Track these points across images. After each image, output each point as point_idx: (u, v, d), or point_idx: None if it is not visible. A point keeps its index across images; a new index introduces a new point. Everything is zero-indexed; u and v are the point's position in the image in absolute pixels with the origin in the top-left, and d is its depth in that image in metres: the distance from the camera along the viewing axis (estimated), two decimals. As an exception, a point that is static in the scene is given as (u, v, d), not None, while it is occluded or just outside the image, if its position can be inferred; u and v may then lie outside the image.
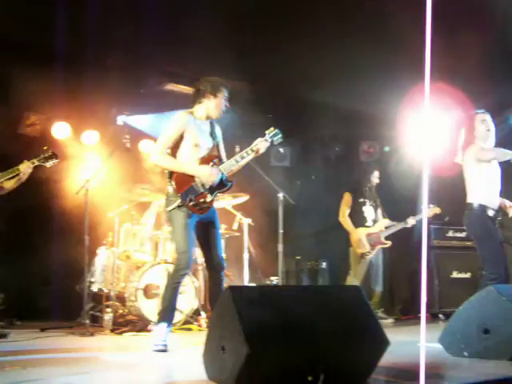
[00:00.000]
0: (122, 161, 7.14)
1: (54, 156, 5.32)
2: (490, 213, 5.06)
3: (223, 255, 4.73)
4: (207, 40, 6.03)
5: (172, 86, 7.45)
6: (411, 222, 6.87)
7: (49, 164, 5.32)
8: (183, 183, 4.39)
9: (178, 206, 4.36)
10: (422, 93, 2.23)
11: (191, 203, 4.36)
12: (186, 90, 7.16)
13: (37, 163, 5.22)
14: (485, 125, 5.17)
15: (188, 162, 4.45)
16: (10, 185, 5.18)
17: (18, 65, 6.34)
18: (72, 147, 7.49)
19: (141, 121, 7.89)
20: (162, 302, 4.49)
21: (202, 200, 4.41)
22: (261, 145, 4.63)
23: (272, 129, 4.71)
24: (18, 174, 5.08)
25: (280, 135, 4.71)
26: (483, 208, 5.05)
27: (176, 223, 4.39)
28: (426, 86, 2.11)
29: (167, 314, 4.40)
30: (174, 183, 4.40)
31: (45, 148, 5.33)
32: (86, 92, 6.87)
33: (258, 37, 6.25)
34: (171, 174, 4.45)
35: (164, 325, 4.33)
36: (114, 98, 7.47)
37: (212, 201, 4.48)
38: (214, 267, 4.61)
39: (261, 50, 6.48)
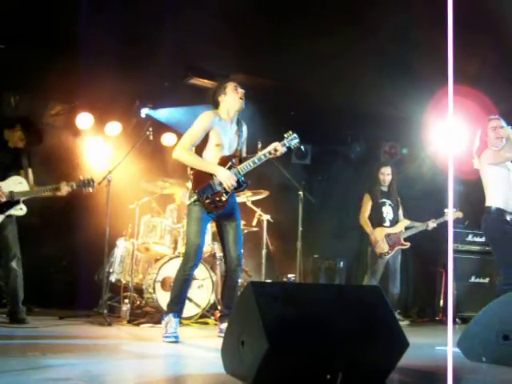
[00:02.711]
0: (145, 153, 7.20)
1: (92, 184, 5.45)
2: (508, 217, 5.03)
3: (242, 251, 4.76)
4: (231, 35, 6.03)
5: (196, 81, 7.46)
6: (432, 225, 6.82)
7: (85, 190, 5.47)
8: (201, 180, 4.53)
9: (194, 201, 4.49)
10: (446, 96, 2.22)
11: (207, 200, 4.49)
12: (210, 84, 7.17)
13: (75, 187, 5.38)
14: (495, 132, 5.15)
15: (210, 161, 4.56)
16: (45, 195, 5.37)
17: (44, 55, 6.42)
18: (95, 138, 7.56)
19: (164, 114, 7.94)
20: (170, 294, 4.59)
21: (217, 198, 4.53)
22: (278, 148, 4.68)
23: (290, 132, 4.78)
24: (54, 192, 5.28)
25: (297, 140, 4.78)
26: (501, 212, 5.03)
27: (190, 216, 4.54)
28: (450, 88, 2.10)
29: (175, 305, 4.48)
30: (192, 179, 4.54)
31: (86, 178, 5.47)
32: (110, 84, 6.90)
33: (282, 34, 6.24)
34: (192, 170, 4.57)
35: (171, 316, 4.41)
36: (138, 90, 7.52)
37: (227, 199, 4.58)
38: (230, 262, 4.71)
39: (285, 48, 6.47)
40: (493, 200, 5.10)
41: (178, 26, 6.06)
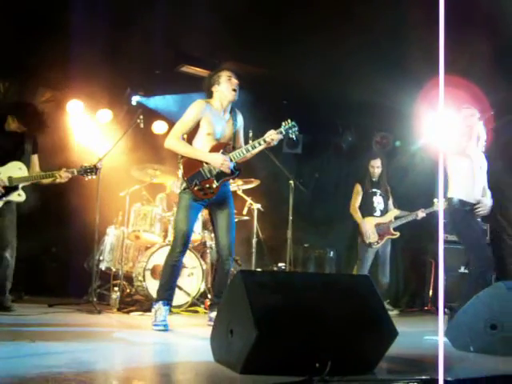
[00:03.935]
0: (135, 141, 7.16)
1: (94, 171, 5.29)
2: (468, 207, 5.02)
3: (234, 241, 4.73)
4: (224, 23, 6.00)
5: (187, 68, 7.43)
6: (421, 214, 6.84)
7: (87, 178, 5.33)
8: (191, 168, 4.51)
9: (184, 189, 4.49)
10: (437, 86, 2.22)
11: (196, 187, 4.46)
12: (201, 72, 7.15)
13: (76, 174, 5.24)
14: (466, 121, 5.12)
15: (201, 149, 4.53)
16: (46, 182, 5.27)
17: (35, 41, 6.35)
18: (85, 125, 7.51)
19: (155, 102, 7.91)
20: (160, 280, 4.57)
21: (207, 185, 4.50)
22: (274, 136, 4.60)
23: (289, 121, 4.68)
24: (54, 178, 5.17)
25: (296, 128, 4.68)
26: (462, 203, 5.02)
27: (180, 204, 4.54)
28: (441, 79, 2.10)
29: (164, 292, 4.46)
30: (181, 167, 4.52)
31: (89, 165, 5.31)
32: (101, 71, 6.85)
33: (275, 23, 6.21)
34: (181, 158, 4.55)
35: (161, 304, 4.40)
36: (129, 78, 7.48)
37: (218, 187, 4.54)
38: (222, 252, 4.70)
39: (278, 38, 6.44)
40: (455, 191, 5.08)
41: (170, 13, 6.02)
